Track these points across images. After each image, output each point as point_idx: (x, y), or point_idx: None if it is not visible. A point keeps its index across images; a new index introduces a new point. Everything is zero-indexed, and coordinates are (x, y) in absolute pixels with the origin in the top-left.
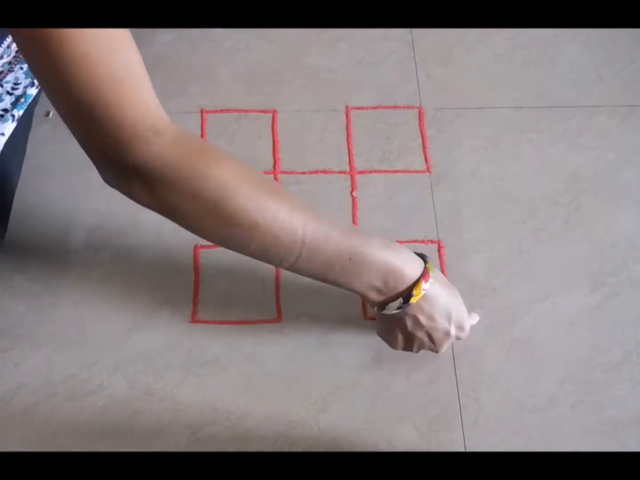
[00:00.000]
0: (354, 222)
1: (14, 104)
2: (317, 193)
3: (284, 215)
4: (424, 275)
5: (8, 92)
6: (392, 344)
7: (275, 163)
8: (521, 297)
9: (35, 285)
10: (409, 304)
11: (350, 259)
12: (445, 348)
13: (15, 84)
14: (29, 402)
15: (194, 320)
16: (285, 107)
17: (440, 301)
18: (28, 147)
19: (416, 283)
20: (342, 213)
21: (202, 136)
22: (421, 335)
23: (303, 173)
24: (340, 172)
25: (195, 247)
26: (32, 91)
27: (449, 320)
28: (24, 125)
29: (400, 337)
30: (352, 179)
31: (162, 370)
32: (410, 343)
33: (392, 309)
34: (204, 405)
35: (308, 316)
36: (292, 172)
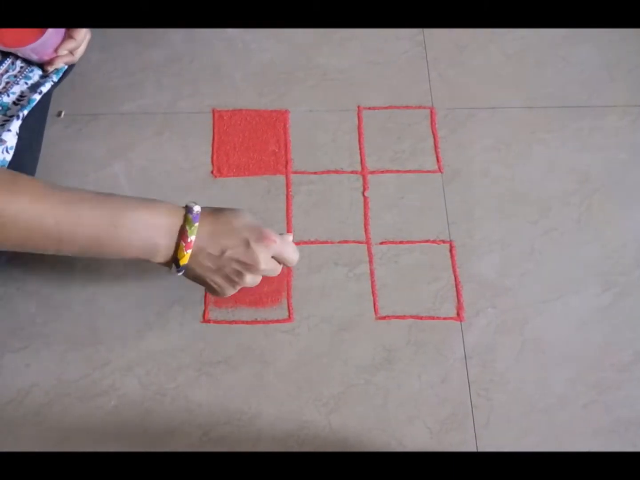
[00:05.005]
0: (365, 222)
1: (20, 110)
2: (328, 193)
3: (26, 207)
4: (187, 214)
5: (14, 103)
6: (222, 293)
7: (287, 163)
8: (533, 297)
9: (46, 285)
10: (189, 245)
11: (113, 226)
12: (263, 261)
13: (21, 96)
14: (41, 402)
15: (205, 320)
16: (297, 107)
17: (220, 227)
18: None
19: (182, 231)
20: (354, 213)
21: (213, 136)
22: (228, 266)
23: (315, 173)
24: (352, 172)
25: None
26: (36, 97)
27: (240, 235)
28: (36, 125)
29: (220, 281)
30: (364, 179)
31: (174, 370)
32: (231, 280)
33: (182, 258)
34: (216, 405)
35: (319, 316)
36: (303, 172)
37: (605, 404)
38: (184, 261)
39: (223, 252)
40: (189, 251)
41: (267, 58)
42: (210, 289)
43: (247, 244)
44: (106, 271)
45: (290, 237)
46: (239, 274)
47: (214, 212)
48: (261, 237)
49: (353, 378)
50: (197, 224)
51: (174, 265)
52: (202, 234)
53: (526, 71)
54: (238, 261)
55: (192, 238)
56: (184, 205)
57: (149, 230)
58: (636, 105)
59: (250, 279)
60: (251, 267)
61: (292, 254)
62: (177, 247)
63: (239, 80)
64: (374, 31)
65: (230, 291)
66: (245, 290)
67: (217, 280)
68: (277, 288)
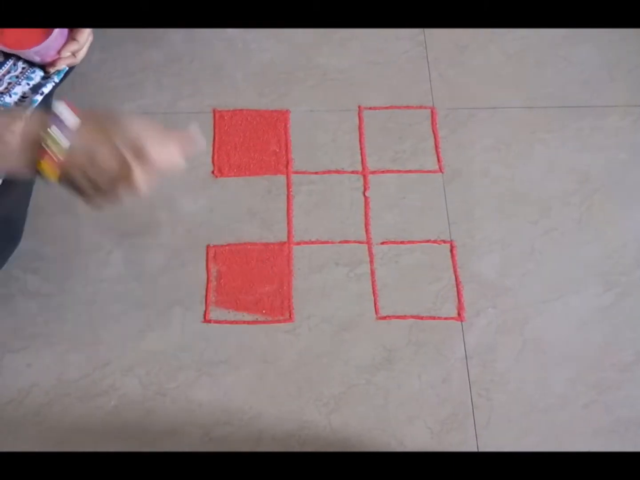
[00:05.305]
0: (366, 222)
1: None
2: (329, 193)
3: None
4: (47, 125)
5: (16, 103)
6: (93, 203)
7: (287, 163)
8: (533, 297)
9: (48, 286)
10: (55, 164)
11: None
12: (139, 179)
13: (23, 97)
14: (41, 402)
15: (206, 320)
16: (297, 107)
17: (89, 135)
18: None
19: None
20: (355, 213)
21: (213, 136)
22: (102, 180)
23: (316, 173)
24: (352, 172)
25: (208, 247)
26: (38, 97)
27: (115, 149)
28: None
29: (91, 192)
30: (365, 178)
31: (175, 370)
32: (104, 194)
33: (49, 174)
34: (216, 405)
35: (320, 316)
36: (304, 172)
37: (605, 404)
38: (51, 176)
39: (94, 165)
40: (58, 169)
41: (268, 58)
42: (82, 199)
43: (125, 161)
44: (106, 271)
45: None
46: (111, 187)
47: (84, 114)
48: (140, 154)
49: (353, 378)
50: (66, 144)
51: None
52: (73, 151)
53: (526, 71)
54: (113, 179)
55: (59, 156)
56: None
57: (23, 141)
58: (636, 105)
59: (124, 199)
60: (127, 185)
61: (168, 164)
62: (40, 160)
63: (239, 80)
64: (375, 31)
65: (106, 204)
66: (245, 290)
67: (88, 198)
68: (278, 289)
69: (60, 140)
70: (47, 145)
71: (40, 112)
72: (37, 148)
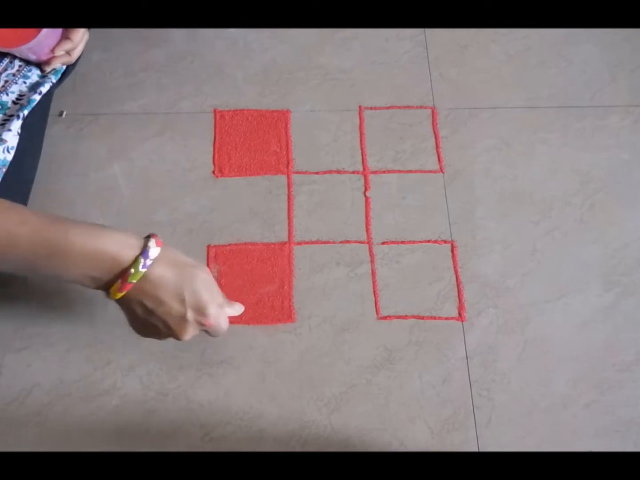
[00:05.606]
0: (366, 222)
1: (20, 110)
2: (330, 193)
3: None
4: (138, 257)
5: (13, 102)
6: (137, 330)
7: (288, 163)
8: (535, 297)
9: (47, 285)
10: (126, 287)
11: (50, 254)
12: (188, 335)
13: (20, 96)
14: (42, 402)
15: None
16: (298, 107)
17: (168, 283)
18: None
19: (125, 272)
20: (356, 213)
21: (214, 136)
22: (155, 321)
23: (316, 173)
24: (353, 172)
25: (208, 246)
26: (36, 97)
27: (183, 303)
28: (37, 125)
29: (137, 326)
30: (366, 179)
31: (175, 370)
32: (149, 330)
33: (114, 294)
34: (217, 405)
35: (321, 316)
36: (305, 172)
37: (607, 404)
38: (114, 297)
39: (154, 310)
40: (124, 292)
41: (269, 58)
42: (130, 322)
43: (184, 315)
44: None
45: (237, 311)
46: (160, 333)
47: (171, 264)
48: (200, 316)
49: (355, 378)
50: (144, 271)
51: (114, 286)
52: (145, 282)
53: (528, 71)
54: (165, 324)
55: (132, 281)
56: (146, 236)
57: (90, 263)
58: (638, 105)
59: (166, 340)
60: (174, 335)
61: (219, 332)
62: (113, 283)
63: (240, 80)
64: (376, 31)
65: (145, 335)
66: (246, 290)
67: (135, 325)
68: (278, 289)
69: (140, 268)
70: (130, 274)
71: (132, 241)
72: (120, 274)
